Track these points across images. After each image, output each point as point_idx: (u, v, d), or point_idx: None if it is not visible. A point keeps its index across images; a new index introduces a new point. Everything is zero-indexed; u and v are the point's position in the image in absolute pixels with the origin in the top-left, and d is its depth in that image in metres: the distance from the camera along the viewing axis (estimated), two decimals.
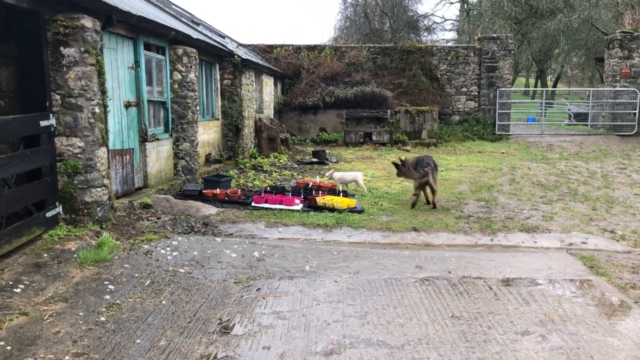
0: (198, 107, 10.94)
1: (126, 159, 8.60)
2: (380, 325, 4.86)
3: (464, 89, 23.66)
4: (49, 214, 6.50)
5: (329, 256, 6.85)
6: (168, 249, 6.73)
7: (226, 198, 9.41)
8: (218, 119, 14.24)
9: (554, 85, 51.55)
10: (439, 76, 23.62)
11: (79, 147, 6.82)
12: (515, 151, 19.52)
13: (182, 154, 10.62)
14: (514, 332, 4.71)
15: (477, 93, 23.61)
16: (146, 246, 6.68)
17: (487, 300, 5.47)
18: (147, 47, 9.54)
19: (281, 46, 23.53)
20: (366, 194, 10.92)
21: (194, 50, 10.65)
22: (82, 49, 6.74)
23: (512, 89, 25.18)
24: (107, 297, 5.19)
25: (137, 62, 9.04)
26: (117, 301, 5.13)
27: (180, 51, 10.41)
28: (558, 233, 8.32)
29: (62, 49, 6.63)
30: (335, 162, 15.99)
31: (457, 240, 7.95)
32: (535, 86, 52.79)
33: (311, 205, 9.48)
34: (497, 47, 23.11)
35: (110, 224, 7.30)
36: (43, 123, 6.36)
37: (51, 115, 6.58)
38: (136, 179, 9.02)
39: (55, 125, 6.66)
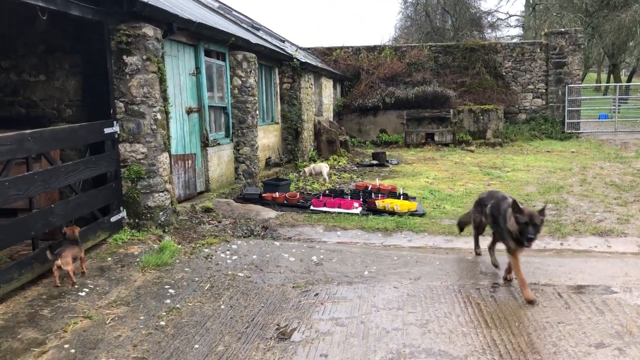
0: (258, 112, 11.03)
1: (188, 163, 8.75)
2: (442, 334, 4.67)
3: (531, 87, 22.80)
4: (113, 219, 6.68)
5: (389, 261, 6.69)
6: (228, 252, 6.78)
7: (285, 201, 9.42)
8: (278, 123, 14.34)
9: (629, 80, 48.85)
10: (504, 74, 22.87)
11: (142, 153, 6.99)
12: (586, 150, 18.59)
13: (243, 158, 10.73)
14: (587, 345, 4.40)
15: (544, 90, 22.70)
16: (206, 250, 6.75)
17: (556, 308, 5.16)
18: (208, 54, 9.70)
19: (340, 48, 23.50)
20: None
21: (253, 55, 10.75)
22: (144, 57, 6.90)
23: (582, 85, 24.04)
24: (168, 301, 5.26)
25: (197, 68, 9.20)
26: (177, 305, 5.19)
27: (239, 56, 10.53)
28: (635, 237, 7.79)
29: (125, 57, 6.82)
30: (396, 164, 15.76)
31: None
32: (608, 81, 50.28)
33: (370, 209, 9.33)
34: (565, 42, 22.13)
35: (172, 227, 7.44)
36: (107, 130, 6.55)
37: (115, 122, 6.78)
38: (198, 183, 9.18)
39: (118, 132, 6.85)
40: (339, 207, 9.18)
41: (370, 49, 23.61)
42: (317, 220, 8.74)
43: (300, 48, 21.86)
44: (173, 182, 8.23)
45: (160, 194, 7.16)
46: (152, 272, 5.89)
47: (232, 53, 10.54)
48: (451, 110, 21.05)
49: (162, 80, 7.21)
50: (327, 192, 10.30)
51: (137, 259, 6.09)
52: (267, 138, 13.26)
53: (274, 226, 8.34)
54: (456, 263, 6.62)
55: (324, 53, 23.39)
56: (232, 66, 10.55)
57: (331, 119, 19.44)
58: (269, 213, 8.92)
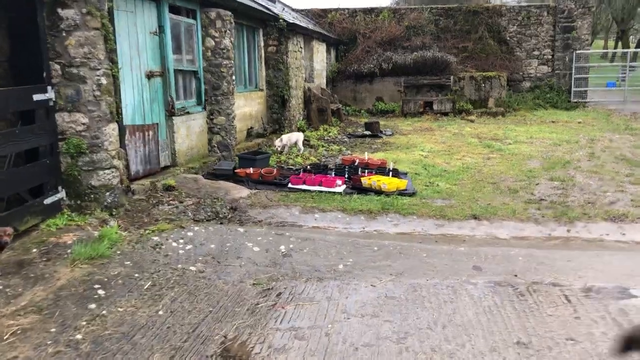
0: (234, 77, 9.97)
1: (149, 135, 7.76)
2: (423, 353, 3.76)
3: (536, 53, 21.53)
4: (48, 201, 5.73)
5: (369, 252, 5.76)
6: (181, 241, 5.84)
7: (260, 178, 8.45)
8: (262, 90, 13.25)
9: (637, 46, 47.28)
10: (508, 39, 21.58)
11: (83, 123, 5.99)
12: (593, 120, 17.49)
13: (217, 129, 9.72)
14: None
15: (550, 57, 21.44)
16: (156, 238, 5.81)
17: (563, 319, 4.24)
18: (175, 10, 8.60)
19: (336, 10, 22.16)
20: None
21: (229, 13, 9.63)
22: (84, 10, 5.84)
23: (590, 51, 22.75)
24: (93, 305, 4.35)
25: (161, 26, 8.12)
26: (104, 311, 4.27)
27: (213, 14, 9.41)
28: None
29: (59, 10, 5.76)
30: (390, 135, 14.72)
31: (527, 231, 6.66)
32: (615, 48, 48.64)
33: (355, 187, 8.37)
34: (574, 4, 20.77)
35: (122, 210, 6.49)
36: (37, 97, 5.55)
37: (49, 87, 5.76)
38: (162, 157, 8.19)
39: (54, 99, 5.84)
40: (319, 185, 8.22)
41: (368, 11, 22.26)
42: (293, 200, 7.78)
43: (293, 10, 20.58)
44: (129, 156, 7.25)
45: (106, 171, 6.18)
46: (84, 266, 4.97)
47: (205, 10, 9.41)
48: (451, 77, 19.88)
49: (107, 39, 6.16)
50: (309, 167, 9.31)
51: (69, 250, 5.16)
52: (249, 106, 12.21)
53: (244, 207, 7.39)
54: (446, 255, 5.69)
55: (319, 15, 22.07)
56: (204, 25, 9.44)
57: (323, 86, 18.32)
58: (240, 192, 7.96)
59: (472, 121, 17.59)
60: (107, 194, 6.22)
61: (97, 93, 6.03)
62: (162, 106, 8.23)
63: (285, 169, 9.38)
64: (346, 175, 8.87)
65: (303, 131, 14.29)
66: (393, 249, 5.83)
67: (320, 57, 18.17)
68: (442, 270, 5.27)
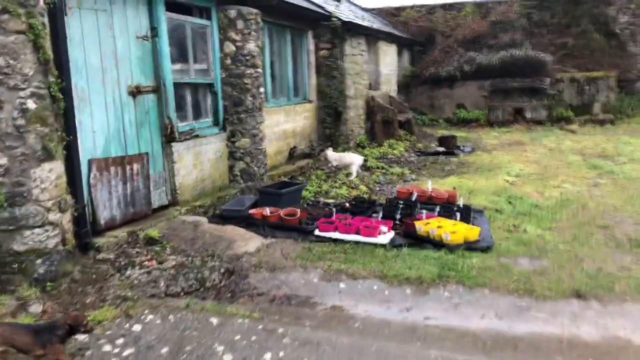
0: (262, 89, 8.04)
1: (133, 169, 5.98)
2: None
3: None
4: None
5: None
6: (120, 341, 3.93)
7: (280, 222, 6.43)
8: (311, 102, 11.26)
9: None
10: (618, 31, 18.13)
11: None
12: None
13: (240, 154, 7.83)
14: None
15: None
16: (83, 337, 3.93)
17: None
18: (178, 8, 6.81)
19: (411, 7, 19.78)
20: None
21: (253, 11, 7.71)
22: None
23: None
24: None
25: (154, 29, 6.33)
26: None
27: (232, 13, 7.54)
28: None
29: None
30: (469, 152, 12.21)
31: None
32: None
33: (408, 234, 6.16)
34: None
35: (67, 281, 4.71)
36: None
37: None
38: (155, 196, 6.40)
39: None
40: (357, 234, 6.07)
41: (448, 6, 19.68)
42: (317, 257, 5.68)
43: (363, 9, 18.47)
44: (97, 200, 5.50)
45: (36, 230, 4.42)
46: None
47: (222, 8, 7.56)
48: (547, 80, 16.88)
49: (38, 46, 4.40)
50: (349, 204, 7.16)
51: None
52: (292, 122, 10.25)
53: (245, 270, 5.40)
54: None
55: (391, 14, 19.81)
56: (222, 26, 7.59)
57: (393, 94, 16.03)
58: (248, 243, 5.97)
59: (573, 132, 14.63)
60: (39, 261, 4.46)
61: (21, 122, 4.29)
62: (157, 130, 6.43)
63: (319, 206, 7.30)
64: (398, 216, 6.65)
65: (363, 147, 12.17)
66: None
67: (389, 60, 15.91)
68: None
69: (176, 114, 6.74)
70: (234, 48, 7.62)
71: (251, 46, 7.71)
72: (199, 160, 7.12)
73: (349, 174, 9.38)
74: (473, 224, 6.50)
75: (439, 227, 6.09)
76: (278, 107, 9.73)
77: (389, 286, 5.02)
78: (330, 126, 11.52)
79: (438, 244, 5.88)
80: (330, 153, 9.67)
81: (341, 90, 11.44)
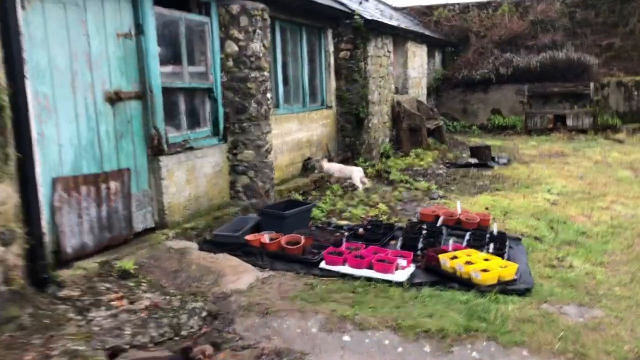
0: (269, 95, 7.15)
1: (109, 188, 5.15)
2: None
3: None
4: None
5: None
6: None
7: (281, 251, 5.51)
8: (330, 107, 10.33)
9: None
10: None
11: None
12: None
13: (243, 167, 6.95)
14: None
15: None
16: None
17: None
18: (169, 2, 5.98)
19: (444, 6, 18.66)
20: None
21: (259, 6, 6.83)
22: None
23: None
24: None
25: (138, 25, 5.50)
26: None
27: (235, 8, 6.67)
28: None
29: None
30: (505, 164, 11.09)
31: None
32: None
33: (430, 269, 5.18)
34: None
35: (12, 328, 3.88)
36: None
37: None
38: (138, 218, 5.57)
39: None
40: (369, 268, 5.12)
41: (483, 5, 18.49)
42: (320, 297, 4.75)
43: (393, 8, 17.47)
44: (62, 226, 4.69)
45: None
46: None
47: (222, 3, 6.70)
48: (591, 84, 15.60)
49: None
50: (363, 229, 6.18)
51: None
52: (307, 130, 9.33)
53: (232, 313, 4.49)
54: None
55: (423, 13, 18.73)
56: (223, 24, 6.73)
57: (423, 98, 14.96)
58: (240, 277, 5.08)
59: (620, 141, 13.34)
60: None
61: None
62: (141, 142, 5.60)
63: (329, 230, 6.35)
64: (420, 245, 5.66)
65: (387, 157, 11.21)
66: None
67: (419, 62, 14.85)
68: None
69: (166, 123, 5.91)
70: (236, 48, 6.75)
71: (256, 46, 6.83)
72: (194, 175, 6.27)
73: (354, 188, 8.46)
74: (509, 256, 5.48)
75: (467, 262, 5.09)
76: (291, 114, 8.83)
77: (404, 340, 4.05)
78: (350, 134, 10.57)
79: (466, 284, 4.88)
80: (326, 164, 8.81)
81: (363, 95, 10.48)
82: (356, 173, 8.55)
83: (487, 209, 7.53)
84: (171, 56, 6.13)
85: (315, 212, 7.15)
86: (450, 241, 5.61)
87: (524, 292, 4.77)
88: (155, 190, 5.78)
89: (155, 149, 5.71)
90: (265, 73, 7.04)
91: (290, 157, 8.71)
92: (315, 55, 9.91)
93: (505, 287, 4.80)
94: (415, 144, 12.30)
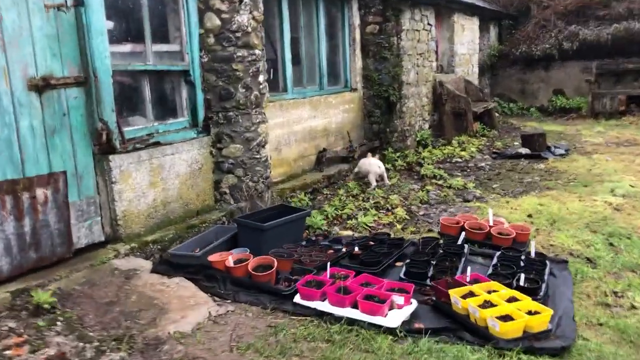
0: (262, 77, 5.96)
1: (36, 197, 4.17)
2: None
3: None
4: None
5: None
6: None
7: (248, 278, 4.36)
8: (354, 90, 9.02)
9: None
10: None
11: None
12: None
13: (229, 165, 5.84)
14: None
15: None
16: None
17: None
18: None
19: None
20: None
21: None
22: None
23: None
24: None
25: None
26: None
27: None
28: None
29: None
30: (563, 155, 9.45)
31: None
32: None
33: (439, 307, 3.93)
34: None
35: None
36: None
37: None
38: (80, 231, 4.57)
39: None
40: (352, 307, 3.90)
41: None
42: (280, 350, 3.57)
43: None
44: None
45: None
46: None
47: None
48: None
49: None
50: (356, 249, 4.92)
51: None
52: (324, 117, 8.09)
53: None
54: None
55: None
56: None
57: (471, 77, 13.30)
58: (188, 314, 3.98)
59: None
60: None
61: None
62: (83, 139, 4.57)
63: (321, 245, 5.12)
64: (430, 272, 4.38)
65: (425, 146, 9.83)
66: None
67: (469, 37, 13.17)
68: None
69: (123, 114, 4.88)
70: (218, 22, 5.60)
71: (243, 19, 5.64)
72: (161, 176, 5.21)
73: (372, 187, 7.24)
74: (547, 290, 4.13)
75: (485, 303, 3.78)
76: (302, 99, 7.62)
77: None
78: (379, 121, 9.24)
79: (482, 335, 3.59)
80: (361, 160, 7.68)
81: (395, 75, 9.10)
82: (373, 169, 7.31)
83: (530, 216, 6.11)
84: (130, 32, 5.04)
85: (317, 218, 5.96)
86: (468, 269, 4.28)
87: (559, 352, 3.44)
88: (106, 196, 4.76)
89: (104, 147, 4.67)
90: (257, 51, 5.85)
91: (299, 150, 7.53)
92: (336, 29, 8.62)
93: (533, 344, 3.48)
94: (460, 131, 10.82)
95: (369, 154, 7.83)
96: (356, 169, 7.73)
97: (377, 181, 7.46)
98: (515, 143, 10.58)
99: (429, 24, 10.43)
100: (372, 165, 7.45)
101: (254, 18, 5.77)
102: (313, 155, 7.85)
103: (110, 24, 4.80)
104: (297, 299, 4.08)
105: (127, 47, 5.02)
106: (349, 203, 6.63)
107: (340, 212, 6.30)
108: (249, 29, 5.71)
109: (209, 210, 5.81)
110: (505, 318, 3.60)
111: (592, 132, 11.76)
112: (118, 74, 4.87)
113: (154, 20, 5.25)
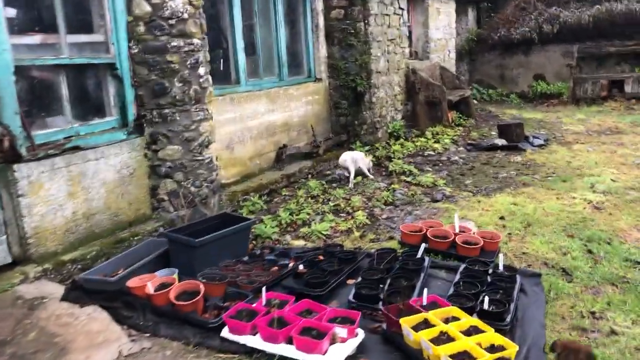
0: (203, 69, 5.32)
1: None
2: None
3: None
4: None
5: None
6: None
7: (171, 307, 3.76)
8: (319, 80, 8.40)
9: None
10: None
11: None
12: None
13: (167, 168, 5.22)
14: None
15: None
16: None
17: None
18: None
19: None
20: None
21: None
22: None
23: None
24: None
25: None
26: None
27: None
28: None
29: None
30: (541, 146, 8.93)
31: None
32: None
33: (390, 339, 3.38)
34: None
35: None
36: None
37: None
38: None
39: None
40: (287, 343, 3.32)
41: None
42: None
43: None
44: None
45: None
46: None
47: None
48: None
49: None
50: (313, 259, 4.34)
51: None
52: (283, 110, 7.47)
53: None
54: None
55: None
56: None
57: (447, 64, 12.70)
58: (94, 355, 3.38)
59: None
60: None
61: None
62: None
63: (265, 261, 4.52)
64: (382, 295, 3.82)
65: (397, 138, 9.26)
66: None
67: (444, 21, 12.56)
68: None
69: (35, 115, 4.24)
70: (148, 8, 4.94)
71: (177, 4, 4.99)
72: (82, 185, 4.57)
73: (349, 184, 6.69)
74: (515, 314, 3.59)
75: (442, 334, 3.24)
76: (257, 91, 6.98)
77: None
78: (346, 113, 8.64)
79: None
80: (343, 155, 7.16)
81: (363, 64, 8.49)
82: (357, 162, 6.86)
83: (502, 218, 5.57)
84: (39, 21, 4.38)
85: (268, 226, 5.38)
86: (425, 291, 3.72)
87: None
88: (12, 212, 4.12)
89: (7, 155, 4.03)
90: (196, 40, 5.20)
91: (256, 147, 6.92)
92: (297, 14, 7.97)
93: None
94: (435, 121, 10.25)
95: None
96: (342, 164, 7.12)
97: (362, 174, 6.97)
98: (492, 133, 10.05)
99: (400, 7, 9.80)
100: (355, 155, 6.97)
101: (190, 3, 5.12)
102: (272, 153, 7.24)
103: (12, 12, 4.15)
104: (225, 332, 3.50)
105: (35, 39, 4.35)
106: (306, 206, 6.04)
107: (295, 217, 5.71)
108: (185, 15, 5.06)
109: (144, 221, 5.19)
110: (463, 356, 3.06)
111: (573, 119, 11.25)
112: (25, 70, 4.22)
113: (70, 8, 4.58)
